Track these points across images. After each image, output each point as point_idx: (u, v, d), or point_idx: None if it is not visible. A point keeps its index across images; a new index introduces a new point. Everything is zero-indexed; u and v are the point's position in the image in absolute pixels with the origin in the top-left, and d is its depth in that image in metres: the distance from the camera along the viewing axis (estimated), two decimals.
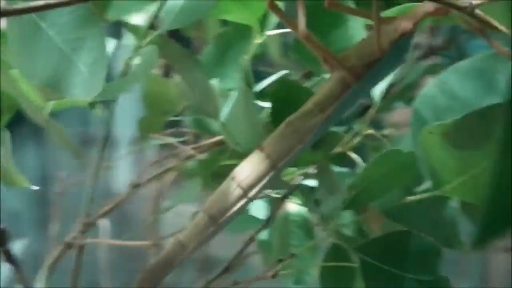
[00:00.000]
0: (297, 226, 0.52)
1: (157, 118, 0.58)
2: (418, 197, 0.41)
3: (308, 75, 0.62)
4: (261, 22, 0.51)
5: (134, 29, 0.47)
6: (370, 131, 0.47)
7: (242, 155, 0.51)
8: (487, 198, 0.16)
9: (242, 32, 0.55)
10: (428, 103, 0.42)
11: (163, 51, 0.45)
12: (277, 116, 0.50)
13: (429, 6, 0.31)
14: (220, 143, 0.57)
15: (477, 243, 0.17)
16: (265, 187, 0.30)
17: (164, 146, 0.65)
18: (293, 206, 0.52)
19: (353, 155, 0.47)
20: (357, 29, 0.44)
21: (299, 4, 0.28)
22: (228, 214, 0.30)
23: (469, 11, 0.30)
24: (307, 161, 0.49)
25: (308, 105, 0.30)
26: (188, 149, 0.57)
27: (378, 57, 0.30)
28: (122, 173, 0.77)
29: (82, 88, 0.34)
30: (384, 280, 0.42)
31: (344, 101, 0.30)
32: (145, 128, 0.58)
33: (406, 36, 0.30)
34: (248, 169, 0.30)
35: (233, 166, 0.50)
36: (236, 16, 0.51)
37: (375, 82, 0.32)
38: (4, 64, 0.40)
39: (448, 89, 0.43)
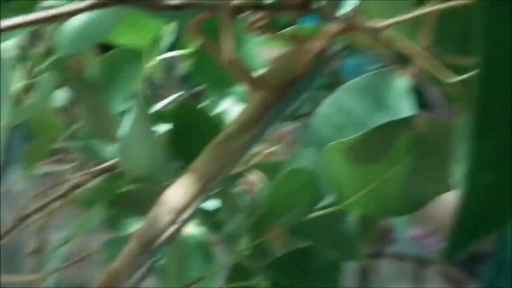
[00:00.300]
0: (196, 249, 0.52)
1: (42, 145, 0.56)
2: (320, 212, 0.42)
3: (196, 96, 0.62)
4: (153, 46, 0.51)
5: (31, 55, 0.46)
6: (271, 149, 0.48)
7: (142, 180, 0.50)
8: (457, 213, 0.17)
9: (132, 55, 0.54)
10: (324, 121, 0.44)
11: (60, 76, 0.44)
12: (177, 139, 0.50)
13: (338, 26, 0.32)
14: (111, 168, 0.56)
15: (447, 256, 0.18)
16: (196, 209, 0.30)
17: (49, 174, 0.63)
18: (191, 229, 0.52)
19: (252, 175, 0.48)
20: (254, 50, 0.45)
21: (224, 28, 0.29)
22: (160, 240, 0.30)
23: (375, 33, 0.32)
24: None
25: (234, 125, 0.31)
26: (76, 176, 0.56)
27: (296, 76, 0.31)
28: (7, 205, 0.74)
29: None
30: None
31: (267, 120, 0.31)
32: (31, 156, 0.56)
33: (320, 55, 0.31)
34: (179, 192, 0.30)
35: (137, 191, 0.50)
36: (128, 39, 0.50)
37: (295, 100, 0.33)
38: None
39: (343, 106, 0.44)
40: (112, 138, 0.47)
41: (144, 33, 0.50)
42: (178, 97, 0.59)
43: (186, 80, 0.75)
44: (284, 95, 0.31)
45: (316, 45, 0.31)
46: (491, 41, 0.15)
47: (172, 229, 0.30)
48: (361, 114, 0.44)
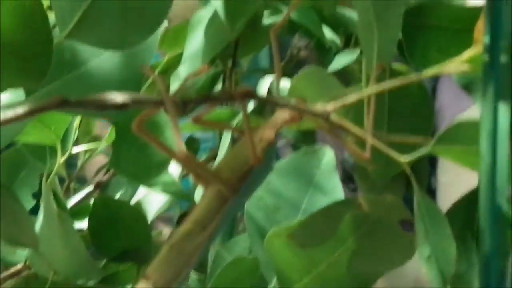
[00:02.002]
0: None
1: None
2: None
3: (98, 186, 0.60)
4: (62, 140, 0.49)
5: None
6: None
7: (61, 284, 0.47)
8: None
9: (37, 151, 0.51)
10: (257, 204, 0.43)
11: None
12: (98, 237, 0.47)
13: (286, 114, 0.31)
14: (18, 273, 0.52)
15: None
16: None
17: None
18: None
19: None
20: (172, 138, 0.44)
21: (174, 129, 0.27)
22: None
23: (324, 116, 0.31)
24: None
25: (188, 225, 0.28)
26: None
27: (249, 167, 0.29)
28: None
29: None
30: None
31: (224, 215, 0.29)
32: None
33: (271, 145, 0.30)
34: None
35: None
36: (34, 137, 0.47)
37: (251, 191, 0.31)
38: None
39: (273, 189, 0.43)
40: (29, 240, 0.43)
41: (53, 129, 0.47)
42: (90, 192, 0.56)
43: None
44: (239, 187, 0.29)
45: (265, 135, 0.30)
46: None
47: None
48: (293, 195, 0.43)
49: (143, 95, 0.27)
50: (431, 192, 0.61)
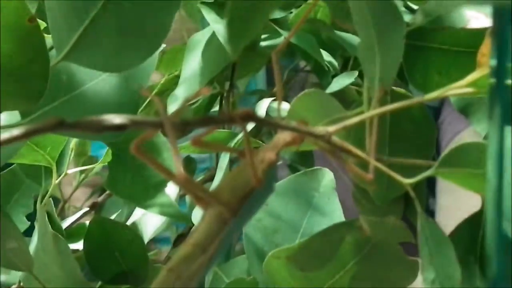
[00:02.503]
0: None
1: None
2: None
3: (94, 207, 0.59)
4: (57, 162, 0.48)
5: None
6: None
7: None
8: None
9: (32, 172, 0.50)
10: (256, 226, 0.42)
11: None
12: (94, 259, 0.46)
13: (287, 135, 0.30)
14: None
15: None
16: None
17: None
18: None
19: None
20: (170, 159, 0.43)
21: (173, 151, 0.26)
22: None
23: (327, 138, 0.30)
24: None
25: (187, 247, 0.28)
26: None
27: (250, 189, 0.28)
28: None
29: None
30: None
31: (224, 237, 0.28)
32: None
33: (272, 166, 0.29)
34: None
35: None
36: (29, 158, 0.47)
37: (251, 213, 0.30)
38: None
39: (272, 210, 0.42)
40: (24, 262, 0.42)
41: (49, 150, 0.46)
42: (85, 212, 0.55)
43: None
44: (239, 209, 0.28)
45: (267, 157, 0.29)
46: None
47: None
48: (292, 217, 0.42)
49: (142, 117, 0.26)
50: (429, 214, 0.61)
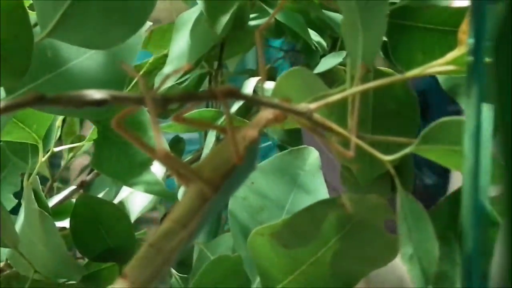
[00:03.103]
0: None
1: None
2: None
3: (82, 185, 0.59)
4: (44, 139, 0.48)
5: None
6: None
7: (43, 283, 0.46)
8: None
9: (19, 150, 0.50)
10: (241, 204, 0.42)
11: None
12: (80, 237, 0.46)
13: (269, 113, 0.30)
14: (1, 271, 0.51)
15: None
16: None
17: None
18: None
19: None
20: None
21: (153, 127, 0.26)
22: None
23: (307, 115, 0.30)
24: None
25: (168, 223, 0.28)
26: None
27: (231, 167, 0.29)
28: None
29: None
30: None
31: (205, 213, 0.28)
32: None
33: (254, 144, 0.29)
34: None
35: None
36: (15, 136, 0.47)
37: (232, 190, 0.30)
38: None
39: (258, 189, 0.42)
40: (10, 239, 0.43)
41: (35, 128, 0.46)
42: (73, 191, 0.55)
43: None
44: (221, 186, 0.28)
45: (248, 134, 0.29)
46: None
47: None
48: (277, 195, 0.43)
49: (123, 92, 0.26)
50: None
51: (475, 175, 0.26)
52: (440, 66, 0.31)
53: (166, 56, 0.53)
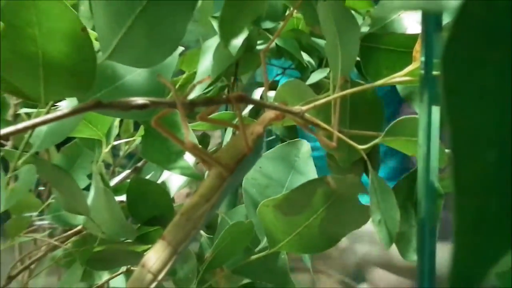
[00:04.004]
0: None
1: (21, 219, 0.51)
2: (258, 255, 0.39)
3: (135, 170, 0.58)
4: (106, 135, 0.47)
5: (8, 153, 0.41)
6: None
7: (107, 242, 0.45)
8: (450, 268, 0.14)
9: (89, 144, 0.50)
10: (252, 183, 0.41)
11: (37, 167, 0.39)
12: (134, 208, 0.46)
13: (271, 113, 0.30)
14: (79, 232, 0.51)
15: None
16: (170, 268, 0.26)
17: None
18: None
19: None
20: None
21: (183, 125, 0.26)
22: None
23: (300, 115, 0.30)
24: None
25: (195, 198, 0.27)
26: (51, 241, 0.50)
27: (243, 155, 0.28)
28: None
29: None
30: None
31: (223, 190, 0.28)
32: (12, 228, 0.50)
33: (260, 137, 0.29)
34: (154, 257, 0.26)
35: (106, 250, 0.45)
36: (85, 133, 0.46)
37: (243, 173, 0.30)
38: None
39: (264, 171, 0.42)
40: (82, 209, 0.42)
41: (99, 127, 0.46)
42: (127, 174, 0.54)
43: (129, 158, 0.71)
44: (235, 169, 0.28)
45: (256, 129, 0.28)
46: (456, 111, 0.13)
47: (152, 286, 0.26)
48: (279, 176, 0.42)
49: (159, 98, 0.26)
50: None
51: (427, 159, 0.26)
52: (399, 78, 0.30)
53: (195, 73, 0.52)
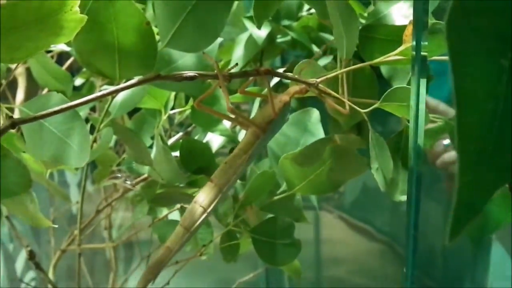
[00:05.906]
0: None
1: (105, 169, 0.50)
2: (279, 196, 0.38)
3: (188, 133, 0.58)
4: (164, 107, 0.46)
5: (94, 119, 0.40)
6: None
7: (166, 186, 0.45)
8: (454, 202, 0.12)
9: (152, 113, 0.49)
10: (274, 141, 0.40)
11: (114, 129, 0.38)
12: (185, 161, 0.45)
13: (296, 87, 0.28)
14: (146, 179, 0.51)
15: (453, 234, 0.14)
16: (217, 205, 0.25)
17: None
18: None
19: None
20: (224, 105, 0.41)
21: (224, 93, 0.24)
22: (196, 225, 0.25)
23: (315, 85, 0.28)
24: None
25: (236, 150, 0.26)
26: (128, 185, 0.50)
27: (273, 118, 0.26)
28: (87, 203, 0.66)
29: (75, 159, 0.27)
30: (265, 247, 0.38)
31: (257, 146, 0.26)
32: (98, 175, 0.51)
33: (286, 105, 0.27)
34: (204, 195, 0.25)
35: (165, 192, 0.44)
36: (149, 104, 0.45)
37: (273, 132, 0.28)
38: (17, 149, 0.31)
39: (284, 132, 0.40)
40: (148, 162, 0.41)
41: (159, 100, 0.44)
42: (180, 136, 0.53)
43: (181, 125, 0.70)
44: (266, 130, 0.26)
45: (283, 98, 0.27)
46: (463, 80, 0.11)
47: (202, 217, 0.25)
48: (295, 136, 0.40)
49: (205, 72, 0.24)
50: None
51: (416, 120, 0.24)
52: (392, 57, 0.28)
53: (230, 60, 0.51)
